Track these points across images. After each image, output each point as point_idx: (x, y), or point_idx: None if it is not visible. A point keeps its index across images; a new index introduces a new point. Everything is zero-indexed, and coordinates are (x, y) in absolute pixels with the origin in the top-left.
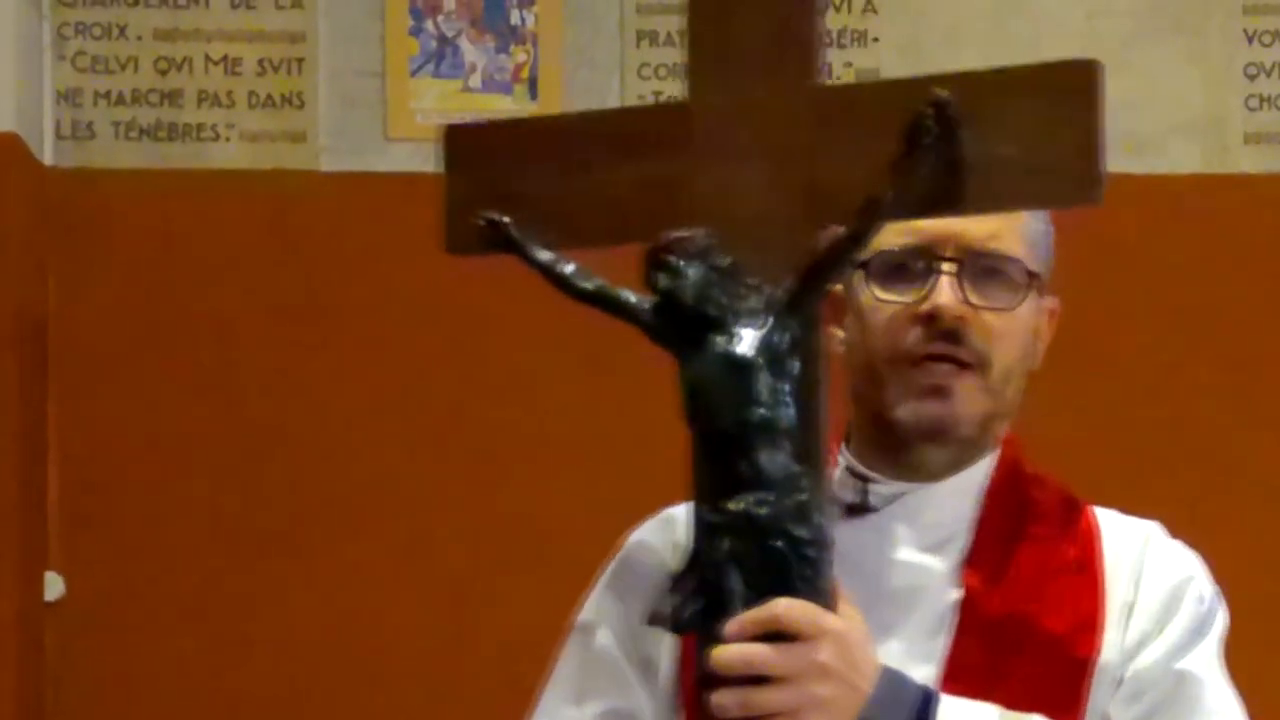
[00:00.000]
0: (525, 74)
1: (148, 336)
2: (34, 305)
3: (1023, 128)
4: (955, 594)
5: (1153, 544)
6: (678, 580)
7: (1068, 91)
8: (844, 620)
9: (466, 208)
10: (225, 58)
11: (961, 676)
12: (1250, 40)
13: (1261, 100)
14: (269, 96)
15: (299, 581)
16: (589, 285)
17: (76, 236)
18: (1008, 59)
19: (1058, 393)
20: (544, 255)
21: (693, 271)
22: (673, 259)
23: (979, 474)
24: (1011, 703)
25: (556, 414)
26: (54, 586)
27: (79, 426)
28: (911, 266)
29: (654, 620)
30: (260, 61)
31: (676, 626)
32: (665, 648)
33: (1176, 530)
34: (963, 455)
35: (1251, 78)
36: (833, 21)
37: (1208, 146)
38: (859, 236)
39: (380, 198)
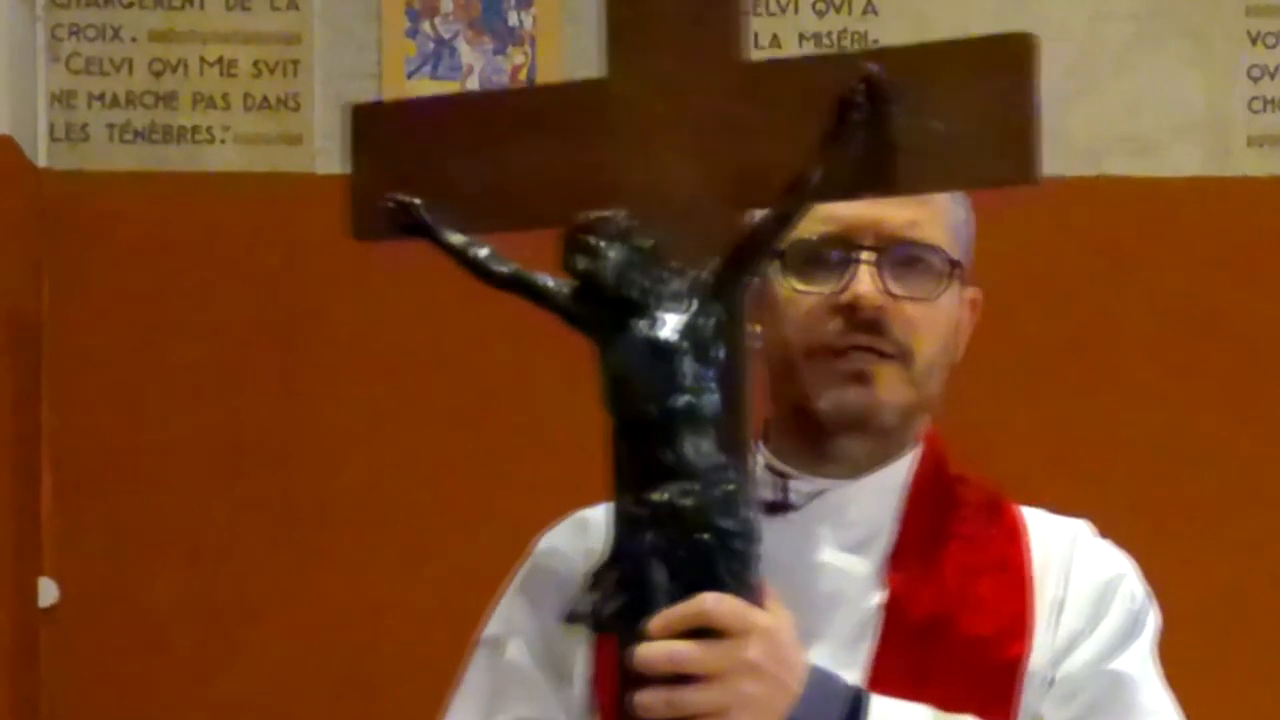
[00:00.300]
0: (523, 75)
1: (143, 341)
2: (28, 309)
3: (956, 104)
4: (879, 597)
5: (1081, 542)
6: (598, 576)
7: (1003, 66)
8: (773, 616)
9: (375, 191)
10: (220, 60)
11: (887, 683)
12: (1253, 42)
13: (1265, 102)
14: (264, 99)
15: (295, 588)
16: (504, 269)
17: (71, 240)
18: None
19: (1058, 398)
20: (456, 239)
21: (613, 253)
22: (592, 240)
23: (902, 470)
24: (941, 707)
25: (556, 418)
26: (48, 592)
27: (73, 431)
28: (829, 256)
29: (573, 618)
30: (256, 63)
31: (597, 624)
32: (580, 652)
33: (1184, 538)
34: (885, 449)
35: (1255, 80)
36: (833, 22)
37: (1210, 149)
38: (787, 218)
39: None
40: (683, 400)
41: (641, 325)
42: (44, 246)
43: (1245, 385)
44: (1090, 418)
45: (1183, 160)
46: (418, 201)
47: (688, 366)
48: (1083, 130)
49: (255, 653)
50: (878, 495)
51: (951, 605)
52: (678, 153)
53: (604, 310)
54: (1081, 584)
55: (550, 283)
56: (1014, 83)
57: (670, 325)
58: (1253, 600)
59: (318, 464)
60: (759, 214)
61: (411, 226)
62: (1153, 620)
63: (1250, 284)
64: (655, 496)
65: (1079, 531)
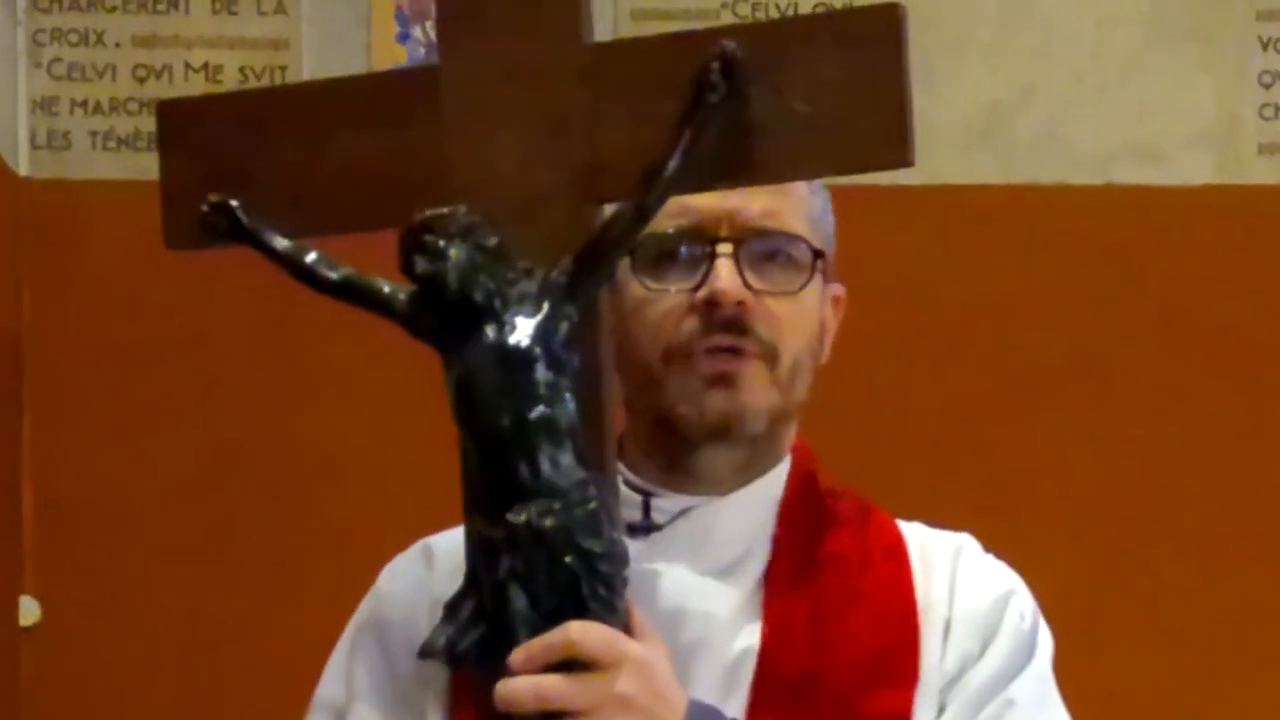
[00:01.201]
0: None
1: (127, 354)
2: (8, 321)
3: (821, 82)
4: (751, 635)
5: (965, 556)
6: (452, 607)
7: (870, 38)
8: (646, 646)
9: (189, 194)
10: (206, 65)
11: None
12: (1265, 47)
13: (1276, 109)
14: None
15: (280, 606)
16: (335, 275)
17: (53, 249)
18: (1015, 68)
19: (1066, 412)
20: (281, 243)
21: (454, 253)
22: (431, 239)
23: (771, 485)
24: None
25: None
26: (30, 611)
27: (55, 446)
28: (683, 251)
29: (426, 653)
30: (242, 69)
31: (452, 660)
32: (433, 694)
33: (1195, 550)
34: (752, 461)
35: (1266, 86)
36: None
37: (1220, 157)
38: (642, 211)
39: None
40: (537, 411)
41: (489, 331)
42: (25, 257)
43: (1257, 397)
44: (1099, 431)
45: (1192, 168)
46: (235, 203)
47: (541, 374)
48: (1089, 138)
49: (241, 673)
50: (748, 512)
51: (830, 646)
52: (521, 143)
53: (448, 316)
54: (969, 602)
55: (387, 288)
56: (882, 56)
57: (520, 330)
58: (1265, 611)
59: (307, 480)
60: (611, 208)
61: (231, 232)
62: (1046, 639)
63: (1262, 295)
64: (512, 518)
65: (963, 544)
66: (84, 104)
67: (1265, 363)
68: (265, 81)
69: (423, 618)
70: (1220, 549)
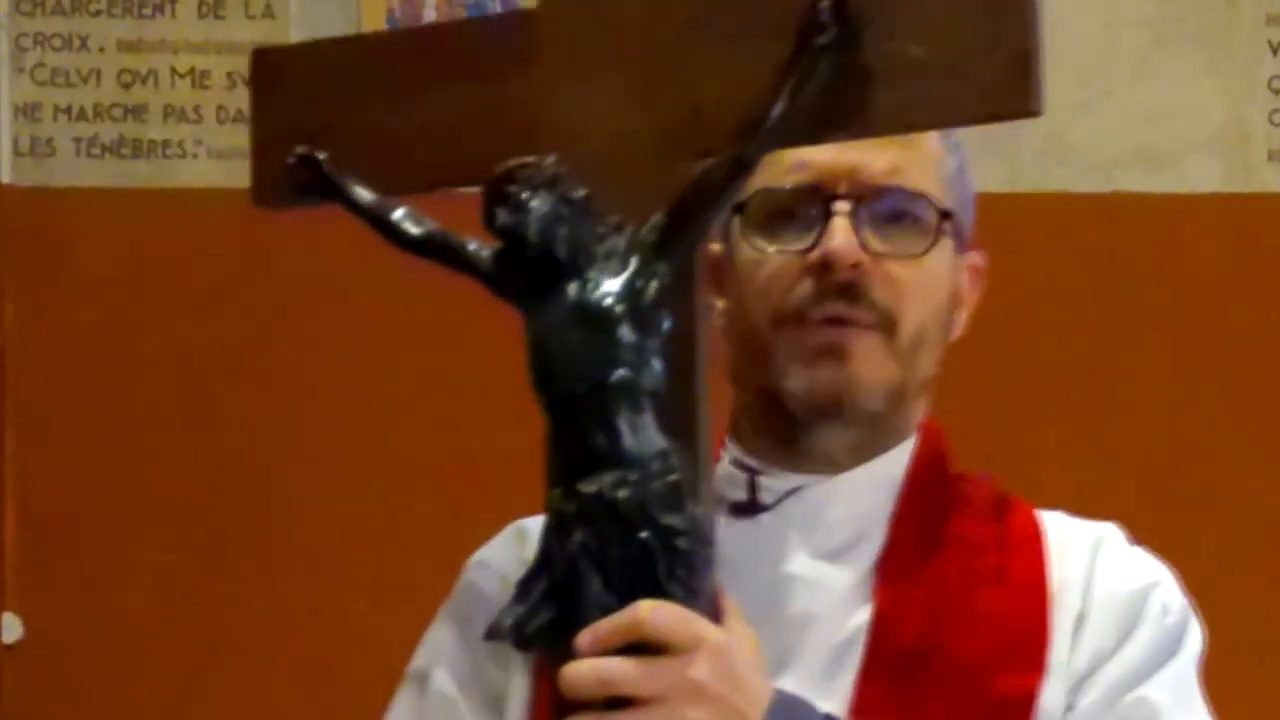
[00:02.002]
0: None
1: (111, 366)
2: None
3: (940, 23)
4: (863, 614)
5: (1107, 548)
6: (523, 586)
7: None
8: (725, 630)
9: (278, 147)
10: (193, 70)
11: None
12: (1275, 52)
13: None
14: (239, 111)
15: (268, 622)
16: (418, 231)
17: (35, 259)
18: None
19: (1069, 424)
20: (366, 198)
21: (537, 204)
22: (514, 190)
23: (891, 466)
24: None
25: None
26: (12, 628)
27: (38, 461)
28: (798, 209)
29: (493, 634)
30: (230, 74)
31: (520, 641)
32: (516, 678)
33: (1205, 565)
34: (869, 440)
35: (1276, 91)
36: None
37: (1229, 164)
38: (742, 164)
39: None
40: (617, 374)
41: (571, 288)
42: (6, 266)
43: (1267, 409)
44: (1103, 444)
45: (1200, 175)
46: (322, 156)
47: (624, 335)
48: (1094, 143)
49: (226, 691)
50: (863, 493)
51: (951, 625)
52: (616, 90)
53: (529, 272)
54: (1106, 595)
55: (472, 245)
56: None
57: (604, 288)
58: (1270, 623)
59: (294, 495)
60: (710, 161)
61: (315, 186)
62: (1194, 637)
63: (1272, 305)
64: (585, 488)
65: (1106, 535)
66: (68, 110)
67: (1276, 374)
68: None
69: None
70: (1229, 563)
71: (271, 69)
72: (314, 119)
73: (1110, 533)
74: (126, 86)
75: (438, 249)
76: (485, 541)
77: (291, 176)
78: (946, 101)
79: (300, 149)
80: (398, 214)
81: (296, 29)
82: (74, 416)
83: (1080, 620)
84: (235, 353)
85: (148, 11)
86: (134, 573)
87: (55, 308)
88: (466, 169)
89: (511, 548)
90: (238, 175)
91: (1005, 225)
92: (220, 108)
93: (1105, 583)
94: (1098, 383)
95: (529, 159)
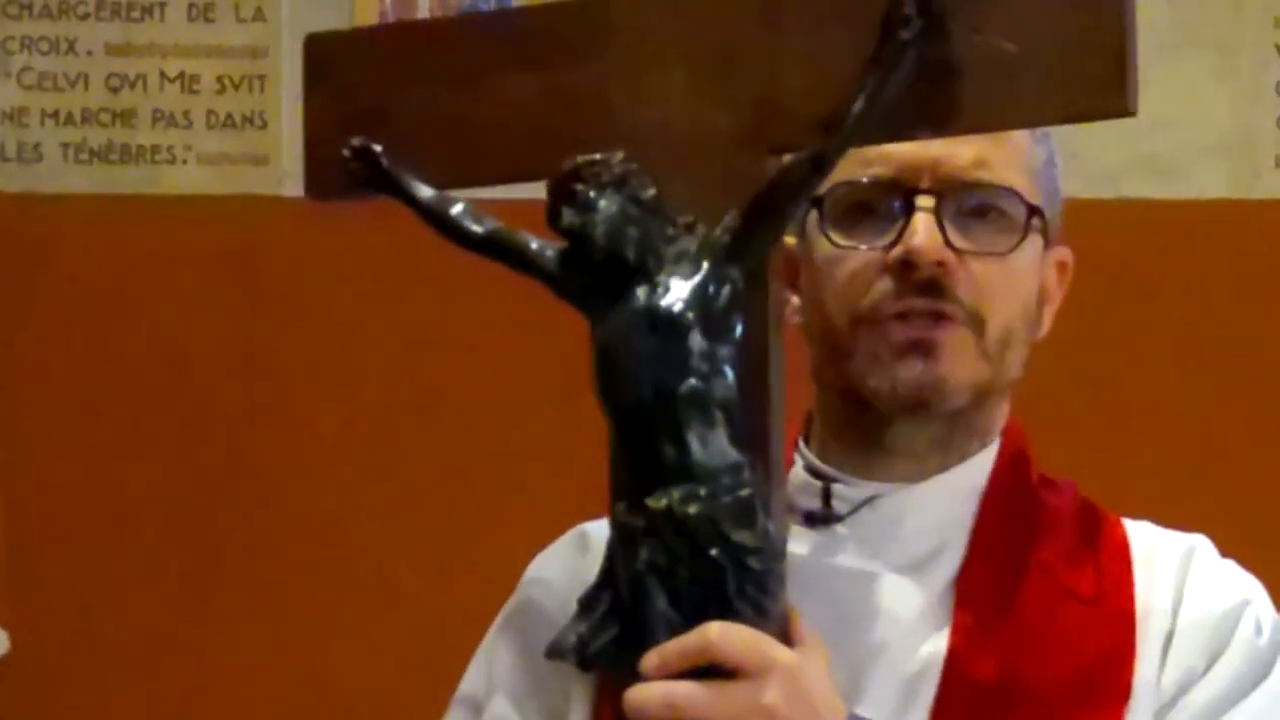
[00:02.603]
0: None
1: (99, 375)
2: None
3: (1031, 17)
4: (939, 640)
5: (1198, 562)
6: (587, 602)
7: None
8: (798, 653)
9: (334, 138)
10: (182, 74)
11: None
12: None
13: None
14: (229, 116)
15: (256, 637)
16: (480, 229)
17: (22, 267)
18: None
19: (1075, 434)
20: (425, 193)
21: (605, 204)
22: (581, 189)
23: (974, 472)
24: None
25: (536, 455)
26: None
27: (24, 473)
28: (879, 204)
29: (554, 653)
30: (220, 79)
31: (582, 661)
32: (576, 700)
33: None
34: (952, 440)
35: None
36: None
37: (1236, 170)
38: (821, 161)
39: (350, 225)
40: (688, 384)
41: (640, 293)
42: None
43: (1276, 418)
44: (1109, 456)
45: (1207, 182)
46: (378, 148)
47: (695, 343)
48: (1100, 150)
49: (214, 705)
50: (945, 502)
51: (1030, 654)
52: (689, 83)
53: (595, 275)
54: (1196, 613)
55: (535, 244)
56: None
57: (674, 293)
58: None
59: (286, 507)
60: (787, 158)
61: (372, 179)
62: None
63: (1279, 313)
64: (653, 503)
65: (1196, 547)
66: (55, 115)
67: None
68: (244, 91)
69: (572, 608)
70: None
71: (325, 56)
72: (369, 108)
73: (1201, 545)
74: (115, 91)
75: (499, 248)
76: (487, 552)
77: (346, 169)
78: (1036, 99)
79: (356, 140)
80: (457, 210)
81: (288, 32)
82: (61, 426)
83: (1169, 640)
84: (225, 362)
85: (136, 15)
86: (123, 585)
87: (43, 316)
88: (530, 163)
89: (573, 555)
90: (228, 181)
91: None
92: (210, 112)
93: (1195, 601)
94: (1105, 393)
95: (596, 156)
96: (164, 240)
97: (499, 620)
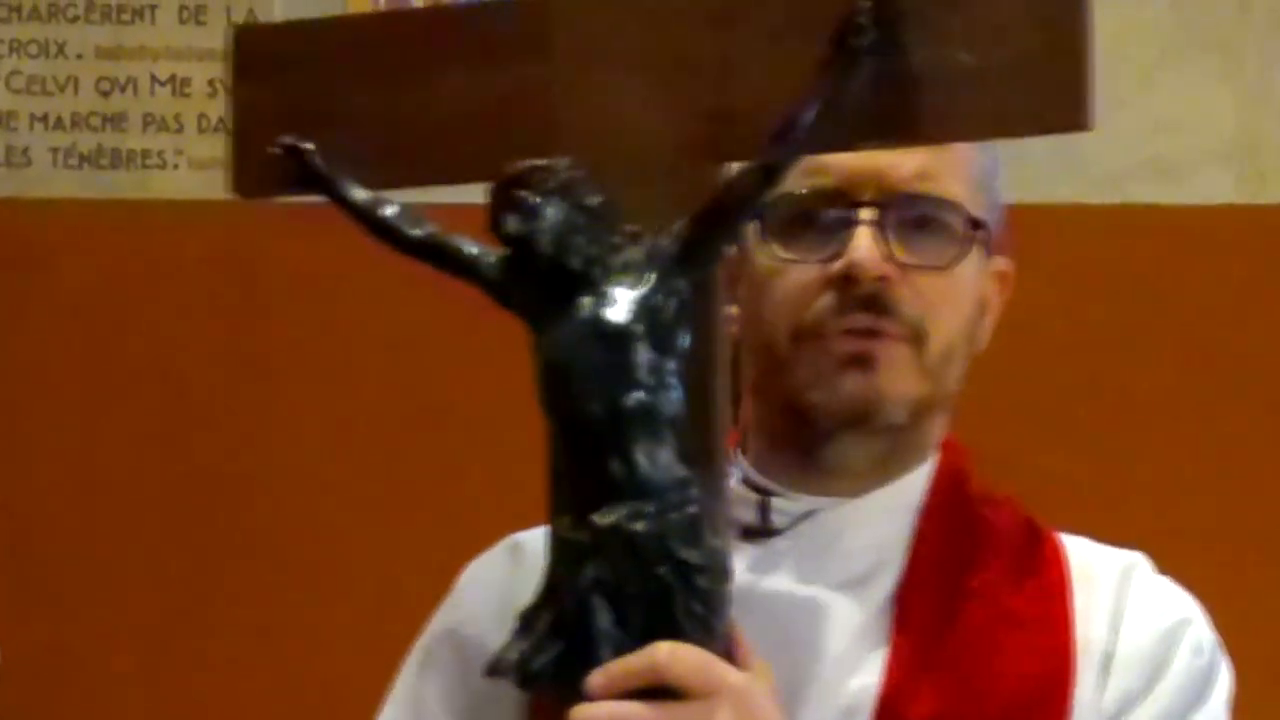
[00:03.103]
0: None
1: (89, 384)
2: None
3: (988, 29)
4: (875, 659)
5: (1136, 579)
6: (527, 618)
7: None
8: (747, 673)
9: (262, 134)
10: (173, 78)
11: None
12: None
13: None
14: (221, 121)
15: (251, 648)
16: (416, 233)
17: (10, 273)
18: None
19: (1079, 443)
20: (358, 195)
21: (551, 212)
22: (525, 195)
23: (912, 487)
24: None
25: (535, 459)
26: None
27: (14, 484)
28: (820, 216)
29: (494, 671)
30: (211, 82)
31: (524, 680)
32: (512, 714)
33: (1214, 588)
34: (892, 456)
35: None
36: None
37: (1242, 174)
38: (771, 171)
39: (344, 232)
40: (635, 398)
41: (585, 303)
42: None
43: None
44: (1113, 463)
45: (1212, 187)
46: (311, 147)
47: (642, 356)
48: (1104, 154)
49: (208, 718)
50: (883, 518)
51: (969, 675)
52: (637, 90)
53: (539, 284)
54: (1136, 632)
55: (475, 250)
56: (1063, 3)
57: (621, 304)
58: None
59: (279, 517)
60: (736, 167)
61: (303, 179)
62: (1224, 678)
63: None
64: (600, 519)
65: (1134, 565)
66: (44, 119)
67: None
68: None
69: (506, 624)
70: (1249, 589)
71: (255, 49)
72: (302, 105)
73: (1139, 563)
74: (105, 95)
75: (437, 253)
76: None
77: (278, 168)
78: (992, 112)
79: (286, 138)
80: (392, 212)
81: None
82: (51, 436)
83: (1108, 660)
84: (218, 368)
85: (127, 17)
86: (115, 597)
87: (32, 324)
88: (470, 166)
89: (506, 567)
90: (220, 186)
91: (1012, 237)
92: (202, 116)
93: (1134, 621)
94: (1107, 402)
95: (541, 161)
96: (155, 246)
97: (422, 640)
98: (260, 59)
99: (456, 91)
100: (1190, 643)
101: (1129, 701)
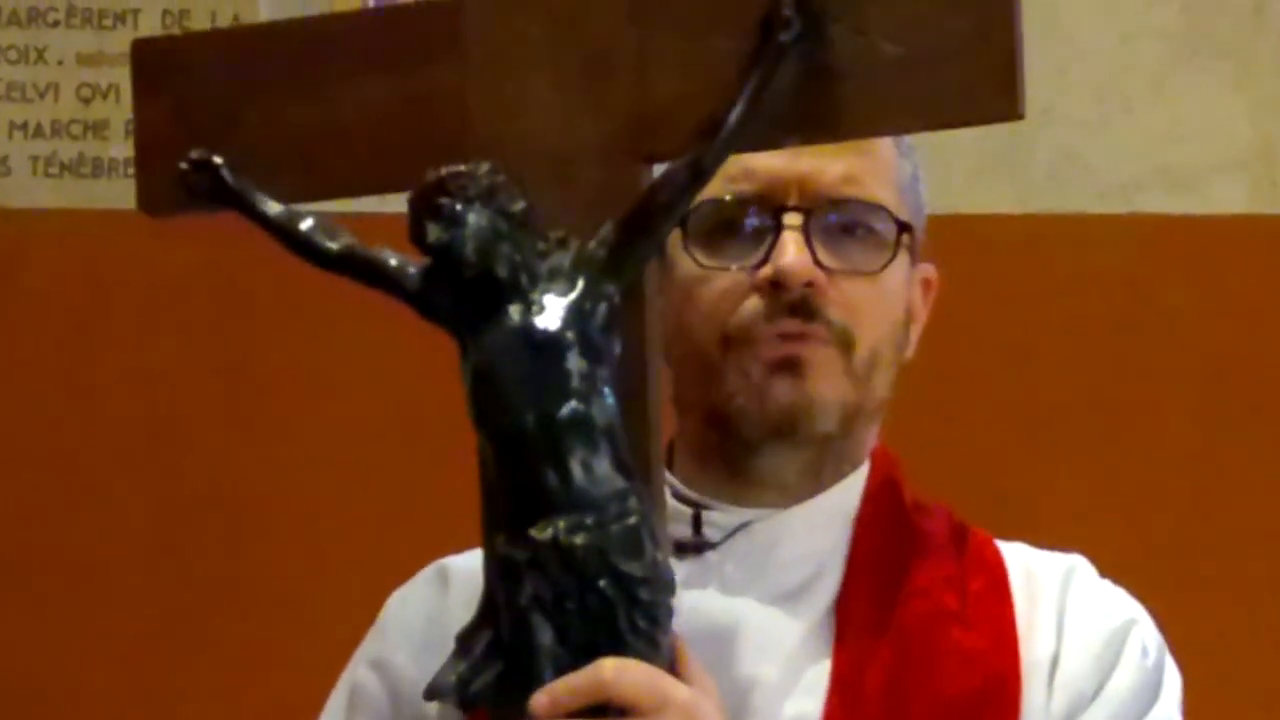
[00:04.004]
0: None
1: (70, 399)
2: None
3: (915, 18)
4: (821, 670)
5: (1078, 581)
6: (465, 639)
7: None
8: (692, 688)
9: (167, 150)
10: None
11: None
12: None
13: None
14: None
15: (235, 672)
16: (334, 246)
17: None
18: (1032, 87)
19: (1086, 460)
20: (272, 208)
21: (474, 219)
22: (446, 202)
23: (845, 497)
24: None
25: None
26: None
27: None
28: (744, 222)
29: (433, 694)
30: None
31: (464, 701)
32: None
33: (1234, 615)
34: (822, 465)
35: None
36: None
37: (1256, 183)
38: (699, 169)
39: None
40: (569, 407)
41: (513, 312)
42: None
43: None
44: (1121, 481)
45: (1225, 196)
46: (220, 160)
47: (573, 364)
48: (1113, 163)
49: None
50: (818, 527)
51: (915, 678)
52: (556, 90)
53: (464, 294)
54: (1081, 635)
55: (395, 261)
56: None
57: (551, 311)
58: None
59: (264, 537)
60: (661, 168)
61: (213, 193)
62: (1173, 677)
63: None
64: (537, 534)
65: (1074, 568)
66: (24, 126)
67: None
68: None
69: (435, 652)
70: (1256, 613)
71: (157, 62)
72: (209, 117)
73: (1080, 565)
74: (86, 102)
75: (356, 266)
76: None
77: (185, 181)
78: (921, 103)
79: (195, 152)
80: (307, 226)
81: None
82: (28, 452)
83: (1055, 662)
84: (202, 383)
85: (109, 22)
86: (96, 623)
87: (11, 336)
88: (386, 175)
89: (432, 594)
90: None
91: (1015, 250)
92: None
93: (1079, 621)
94: (1117, 420)
95: (461, 167)
96: (137, 256)
97: (350, 669)
98: (163, 71)
99: (368, 99)
100: (1138, 644)
101: (1079, 704)
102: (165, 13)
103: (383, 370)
